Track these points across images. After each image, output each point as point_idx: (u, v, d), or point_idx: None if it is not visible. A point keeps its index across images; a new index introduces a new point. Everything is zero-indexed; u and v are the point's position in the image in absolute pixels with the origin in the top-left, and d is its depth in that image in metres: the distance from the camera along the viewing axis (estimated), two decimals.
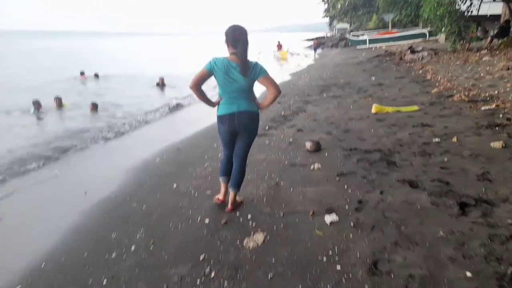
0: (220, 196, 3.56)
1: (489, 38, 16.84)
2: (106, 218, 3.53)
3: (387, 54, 18.40)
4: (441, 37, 23.97)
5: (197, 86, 2.94)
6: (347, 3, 40.32)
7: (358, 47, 28.88)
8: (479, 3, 13.91)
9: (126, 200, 3.93)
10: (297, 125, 6.42)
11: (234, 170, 3.33)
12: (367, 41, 28.74)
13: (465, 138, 4.48)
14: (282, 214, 3.22)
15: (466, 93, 6.71)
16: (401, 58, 14.90)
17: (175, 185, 4.23)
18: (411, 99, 7.27)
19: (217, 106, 3.14)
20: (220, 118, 3.11)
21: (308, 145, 4.90)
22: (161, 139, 6.76)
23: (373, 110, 6.57)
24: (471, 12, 14.04)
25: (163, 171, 4.79)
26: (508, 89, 6.46)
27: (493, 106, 5.53)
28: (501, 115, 5.10)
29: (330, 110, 7.42)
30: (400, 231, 2.73)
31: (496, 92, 6.44)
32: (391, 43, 26.82)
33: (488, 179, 3.36)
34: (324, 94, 9.38)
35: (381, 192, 3.40)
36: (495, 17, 20.36)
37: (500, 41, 15.26)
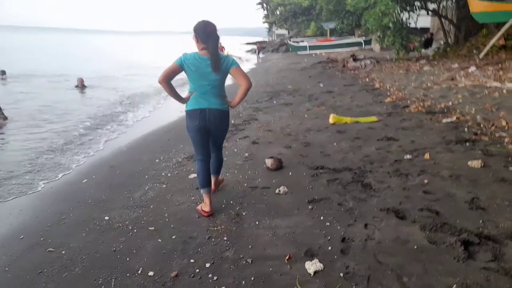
0: (206, 208, 3.22)
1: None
2: (8, 272, 2.55)
3: (329, 61, 18.56)
4: (376, 46, 25.05)
5: (166, 81, 2.91)
6: (287, 10, 40.81)
7: (299, 52, 29.18)
8: (417, 16, 14.52)
9: (38, 243, 2.95)
10: (250, 136, 5.76)
11: (212, 161, 3.34)
12: (307, 47, 29.18)
13: (437, 155, 4.15)
14: (250, 261, 2.51)
15: (421, 104, 6.57)
16: (344, 66, 15.01)
17: (106, 218, 3.33)
18: (366, 108, 6.99)
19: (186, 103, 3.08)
20: (190, 113, 3.04)
21: (269, 162, 4.25)
22: (89, 153, 5.71)
23: (331, 121, 6.14)
24: (410, 24, 14.56)
25: (91, 198, 3.84)
26: (460, 101, 6.41)
27: (454, 118, 5.36)
28: (466, 129, 4.90)
29: (284, 119, 6.87)
30: (403, 284, 2.17)
31: (450, 103, 6.36)
32: (330, 50, 27.47)
33: (481, 207, 2.96)
34: (274, 101, 8.86)
35: (366, 226, 2.84)
36: (424, 30, 21.68)
37: (431, 52, 16.09)
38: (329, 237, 2.72)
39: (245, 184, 3.87)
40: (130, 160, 5.16)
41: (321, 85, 10.74)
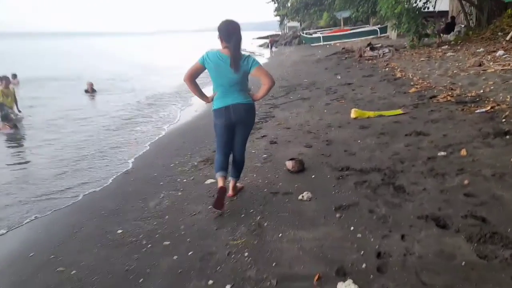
0: (220, 184, 3.25)
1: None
2: None
3: (344, 51, 18.02)
4: (393, 34, 24.27)
5: (191, 79, 3.01)
6: (298, 1, 40.00)
7: (312, 44, 28.59)
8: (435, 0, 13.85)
9: (48, 262, 2.77)
10: (268, 135, 5.48)
11: (234, 162, 3.36)
12: (321, 38, 28.55)
13: (475, 150, 3.78)
14: (275, 282, 2.25)
15: (450, 93, 6.14)
16: (361, 55, 14.47)
17: (119, 231, 3.13)
18: (389, 100, 6.60)
19: (212, 102, 3.19)
20: (216, 112, 3.14)
21: (290, 164, 3.97)
22: (104, 156, 5.55)
23: (353, 115, 5.80)
24: (428, 8, 13.93)
25: (104, 208, 3.65)
26: (492, 88, 5.96)
27: (488, 108, 4.94)
28: (503, 120, 4.49)
29: (302, 115, 6.56)
30: None
31: (481, 91, 5.91)
32: (344, 40, 26.80)
33: None
34: (291, 96, 8.53)
35: (403, 237, 2.53)
36: (442, 13, 20.81)
37: (453, 37, 15.38)
38: (362, 252, 2.43)
39: (265, 190, 3.60)
40: (144, 165, 4.98)
41: (339, 77, 10.34)
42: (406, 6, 12.91)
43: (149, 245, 2.85)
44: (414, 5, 13.50)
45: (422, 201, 2.97)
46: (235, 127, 3.19)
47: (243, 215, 3.14)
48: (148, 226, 3.17)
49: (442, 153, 3.83)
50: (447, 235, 2.50)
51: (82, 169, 5.07)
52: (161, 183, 4.15)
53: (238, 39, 2.95)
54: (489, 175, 3.23)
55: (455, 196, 2.97)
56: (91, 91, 12.04)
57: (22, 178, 4.94)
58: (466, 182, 3.15)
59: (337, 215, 2.94)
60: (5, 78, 8.51)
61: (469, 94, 5.90)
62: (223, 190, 3.21)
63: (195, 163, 4.67)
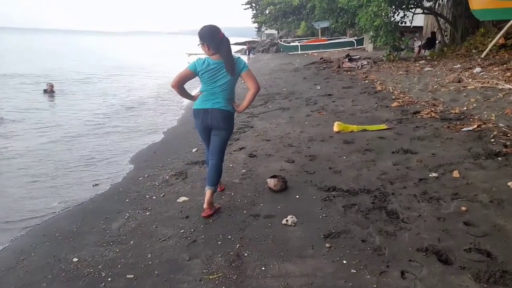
0: (204, 204, 3.16)
1: (416, 49, 17.34)
2: None
3: (322, 62, 17.99)
4: (369, 46, 24.64)
5: (179, 85, 3.02)
6: (276, 9, 40.15)
7: (290, 53, 28.61)
8: (413, 15, 14.04)
9: None
10: (247, 148, 5.13)
11: (209, 167, 3.22)
12: (299, 47, 28.63)
13: (468, 172, 3.57)
14: None
15: (433, 109, 6.01)
16: (339, 66, 14.43)
17: (75, 259, 2.69)
18: (372, 114, 6.41)
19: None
20: (194, 111, 3.15)
21: (272, 183, 3.63)
22: (64, 167, 5.00)
23: (336, 129, 5.54)
24: (405, 23, 14.11)
25: (60, 230, 3.18)
26: (475, 105, 5.87)
27: (475, 126, 4.80)
28: (492, 140, 4.34)
29: (282, 126, 6.26)
30: None
31: (465, 108, 5.81)
32: (321, 50, 26.99)
33: None
34: (270, 106, 8.23)
35: (403, 274, 2.24)
36: (417, 29, 21.31)
37: (428, 52, 15.66)
38: None
39: (245, 211, 3.24)
40: (109, 177, 4.50)
41: (318, 87, 10.15)
42: (385, 20, 13.01)
43: (109, 279, 2.43)
44: (392, 19, 13.64)
45: (419, 230, 2.70)
46: (211, 130, 3.17)
47: (220, 242, 2.76)
48: (110, 253, 2.73)
49: (434, 174, 3.61)
50: (452, 273, 2.22)
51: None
52: (127, 200, 3.70)
53: (228, 44, 2.96)
54: (486, 201, 3.00)
55: (454, 225, 2.72)
56: (50, 91, 11.27)
57: None
58: (463, 208, 2.91)
59: (327, 244, 2.61)
60: None
61: (453, 111, 5.78)
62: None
63: (166, 177, 4.25)
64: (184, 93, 3.16)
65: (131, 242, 2.87)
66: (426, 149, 4.33)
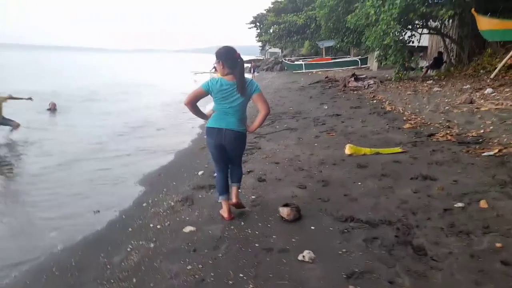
0: (225, 213, 3.39)
1: (424, 69, 17.24)
2: None
3: (327, 80, 17.92)
4: (374, 65, 24.63)
5: (192, 104, 3.11)
6: (281, 28, 40.59)
7: (294, 71, 28.67)
8: (420, 35, 13.97)
9: None
10: (255, 171, 4.91)
11: (231, 172, 3.45)
12: (303, 66, 28.70)
13: (496, 202, 3.32)
14: None
15: (448, 131, 5.78)
16: (345, 85, 14.31)
17: None
18: (384, 136, 6.19)
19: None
20: (208, 130, 3.22)
21: (285, 212, 3.39)
22: (63, 193, 4.78)
23: (347, 151, 5.32)
24: (412, 42, 14.03)
25: (57, 263, 2.94)
26: (492, 128, 5.65)
27: (496, 151, 4.56)
28: None
29: (291, 148, 6.04)
30: None
31: (482, 131, 5.58)
32: (326, 69, 27.02)
33: None
34: (277, 126, 8.04)
35: None
36: (422, 48, 21.30)
37: (434, 72, 15.55)
38: None
39: (257, 245, 2.99)
40: (111, 204, 4.27)
41: (325, 107, 9.98)
42: (394, 38, 12.83)
43: None
44: (401, 38, 13.50)
45: (452, 270, 2.44)
46: (225, 149, 3.25)
47: (231, 282, 2.51)
48: None
49: (459, 204, 3.35)
50: None
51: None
52: (130, 229, 3.47)
53: (242, 65, 3.09)
54: None
55: (491, 265, 2.46)
56: (52, 109, 11.34)
57: None
58: (498, 245, 2.65)
59: (350, 286, 2.35)
60: None
61: (470, 134, 5.55)
62: (229, 206, 3.39)
63: (172, 203, 4.02)
64: (197, 111, 3.24)
65: (134, 280, 2.62)
66: (447, 175, 4.09)
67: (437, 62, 16.20)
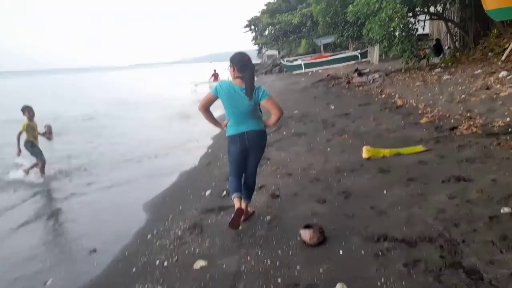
0: (237, 204, 3.35)
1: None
2: None
3: (330, 78, 17.50)
4: (375, 58, 24.15)
5: (205, 108, 3.28)
6: (276, 29, 40.25)
7: (294, 72, 28.26)
8: (424, 21, 13.45)
9: None
10: (267, 186, 4.51)
11: (246, 185, 3.51)
12: (303, 65, 28.27)
13: None
14: None
15: (471, 123, 5.34)
16: (349, 82, 13.89)
17: None
18: (401, 134, 5.75)
19: (225, 128, 3.42)
20: (231, 138, 3.36)
21: (307, 235, 2.97)
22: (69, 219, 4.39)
23: (365, 155, 4.90)
24: (417, 30, 13.54)
25: None
26: None
27: None
28: None
29: (302, 155, 5.63)
30: None
31: (508, 119, 5.14)
32: (326, 66, 26.60)
33: None
34: (284, 132, 7.63)
35: None
36: (422, 36, 20.83)
37: (438, 59, 15.06)
38: None
39: (279, 280, 2.57)
40: (111, 237, 3.87)
41: (332, 106, 9.56)
42: (400, 25, 12.22)
43: None
44: (407, 22, 12.86)
45: None
46: (248, 152, 3.38)
47: None
48: None
49: (506, 210, 2.92)
50: None
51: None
52: (134, 269, 3.06)
53: (252, 69, 3.19)
54: None
55: None
56: (48, 133, 10.72)
57: None
58: None
59: None
60: (28, 109, 6.71)
61: (496, 124, 5.11)
62: (240, 211, 3.32)
63: (179, 233, 3.61)
64: (210, 117, 3.36)
65: None
66: (482, 174, 3.65)
67: (437, 50, 15.73)
